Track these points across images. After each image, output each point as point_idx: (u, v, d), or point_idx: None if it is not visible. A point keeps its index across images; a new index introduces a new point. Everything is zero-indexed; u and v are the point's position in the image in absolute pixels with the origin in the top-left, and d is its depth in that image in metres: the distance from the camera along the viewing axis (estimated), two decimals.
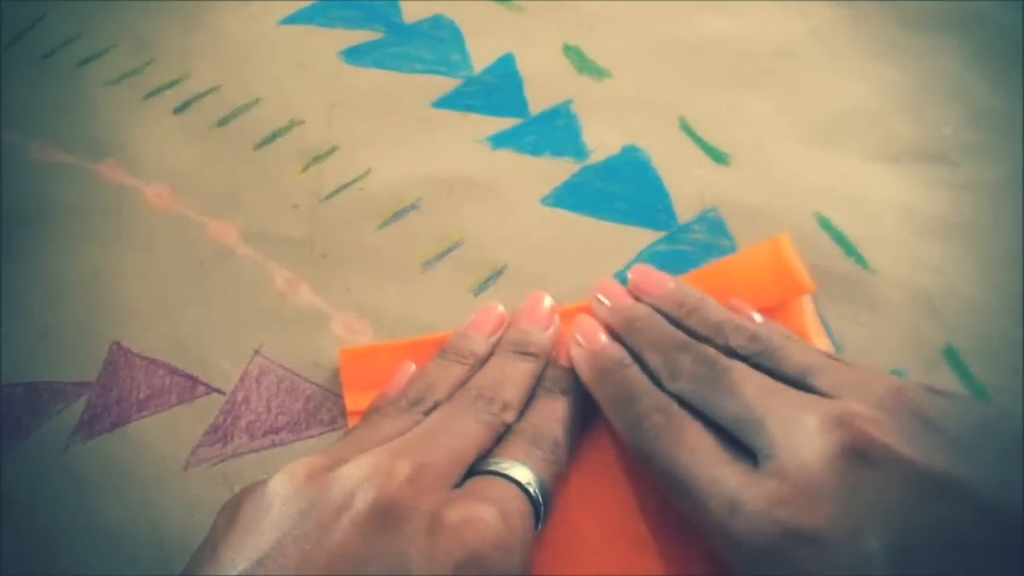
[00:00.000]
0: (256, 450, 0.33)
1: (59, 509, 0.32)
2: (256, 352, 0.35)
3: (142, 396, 0.34)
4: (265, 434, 0.33)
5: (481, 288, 0.36)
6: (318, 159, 0.40)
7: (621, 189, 0.38)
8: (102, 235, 0.38)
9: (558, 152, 0.40)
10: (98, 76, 0.42)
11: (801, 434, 0.25)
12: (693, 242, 0.37)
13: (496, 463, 0.28)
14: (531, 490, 0.27)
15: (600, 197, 0.38)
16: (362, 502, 0.24)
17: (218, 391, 0.34)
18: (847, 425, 0.25)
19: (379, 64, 0.42)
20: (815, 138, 0.39)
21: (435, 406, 0.30)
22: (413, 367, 0.33)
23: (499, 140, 0.40)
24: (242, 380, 0.34)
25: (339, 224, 0.38)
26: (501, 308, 0.34)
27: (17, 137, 0.40)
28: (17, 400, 0.34)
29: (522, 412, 0.31)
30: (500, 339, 0.33)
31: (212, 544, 0.25)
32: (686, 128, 0.40)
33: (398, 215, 0.38)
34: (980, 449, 0.24)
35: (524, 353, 0.32)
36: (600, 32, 0.43)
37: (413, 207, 0.38)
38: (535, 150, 0.40)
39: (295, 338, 0.35)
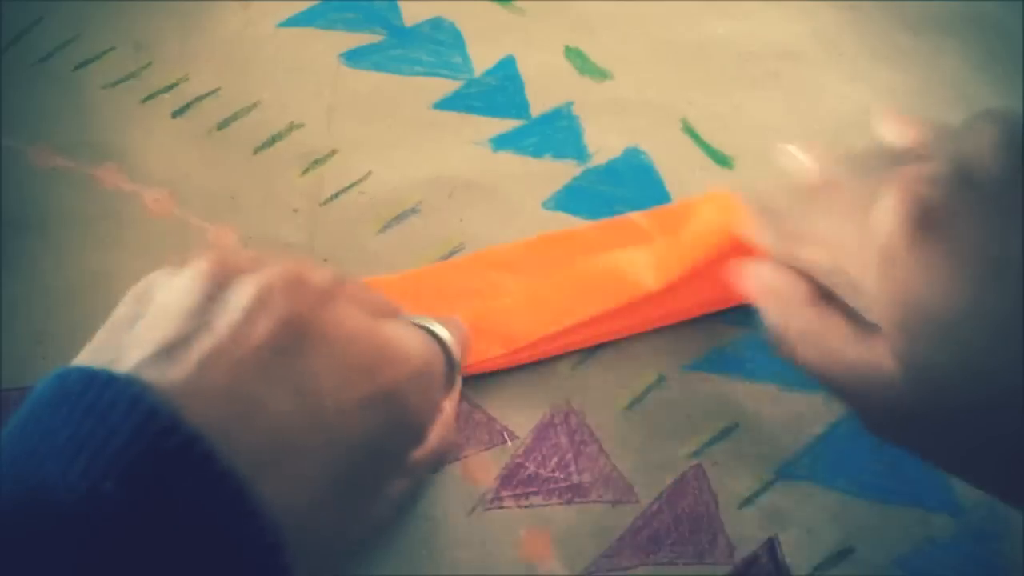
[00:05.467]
0: None
1: None
2: None
3: None
4: None
5: None
6: (318, 163, 0.39)
7: (623, 192, 0.38)
8: (101, 240, 0.37)
9: (560, 154, 0.39)
10: (96, 79, 0.42)
11: None
12: None
13: (416, 318, 0.27)
14: (450, 348, 0.27)
15: (602, 200, 0.38)
16: (274, 312, 0.22)
17: None
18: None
19: (379, 67, 0.42)
20: (818, 140, 0.39)
21: None
22: None
23: (500, 142, 0.40)
24: None
25: (339, 228, 0.37)
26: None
27: (14, 141, 0.40)
28: (14, 406, 0.33)
29: None
30: None
31: (115, 326, 0.23)
32: (688, 130, 0.40)
33: (399, 219, 0.38)
34: None
35: None
36: (601, 34, 0.43)
37: (414, 211, 0.38)
38: (536, 152, 0.39)
39: None
